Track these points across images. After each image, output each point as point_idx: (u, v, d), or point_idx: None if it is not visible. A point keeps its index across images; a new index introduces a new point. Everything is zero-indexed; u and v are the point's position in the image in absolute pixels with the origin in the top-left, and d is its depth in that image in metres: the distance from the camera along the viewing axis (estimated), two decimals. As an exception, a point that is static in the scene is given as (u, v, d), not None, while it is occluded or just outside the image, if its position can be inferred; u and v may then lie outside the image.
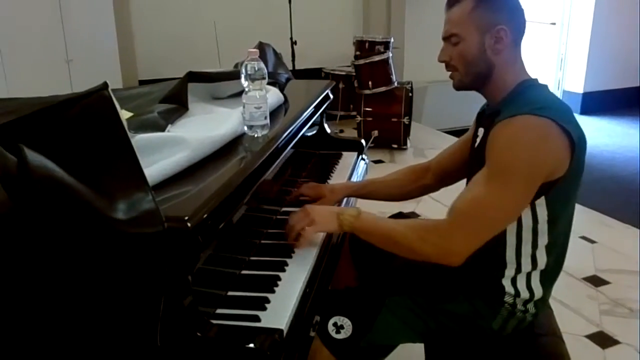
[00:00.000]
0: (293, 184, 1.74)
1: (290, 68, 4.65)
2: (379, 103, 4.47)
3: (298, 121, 1.58)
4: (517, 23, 1.29)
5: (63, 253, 0.90)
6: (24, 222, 0.89)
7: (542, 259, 1.28)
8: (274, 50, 2.07)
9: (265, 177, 1.47)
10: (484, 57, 1.28)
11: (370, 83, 4.44)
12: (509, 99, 1.29)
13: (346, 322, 1.31)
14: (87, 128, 0.98)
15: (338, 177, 1.92)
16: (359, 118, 4.54)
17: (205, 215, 0.95)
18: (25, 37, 3.64)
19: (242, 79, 1.36)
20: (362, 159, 2.22)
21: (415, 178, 1.67)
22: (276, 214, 1.58)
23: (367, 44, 4.57)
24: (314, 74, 5.08)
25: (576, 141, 1.19)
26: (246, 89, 1.36)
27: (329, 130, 2.23)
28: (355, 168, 2.07)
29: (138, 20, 4.68)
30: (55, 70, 3.79)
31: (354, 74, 4.61)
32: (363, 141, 2.26)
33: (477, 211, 1.19)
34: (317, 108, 1.99)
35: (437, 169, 1.63)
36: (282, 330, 1.06)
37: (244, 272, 1.27)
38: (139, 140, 1.10)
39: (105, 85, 1.03)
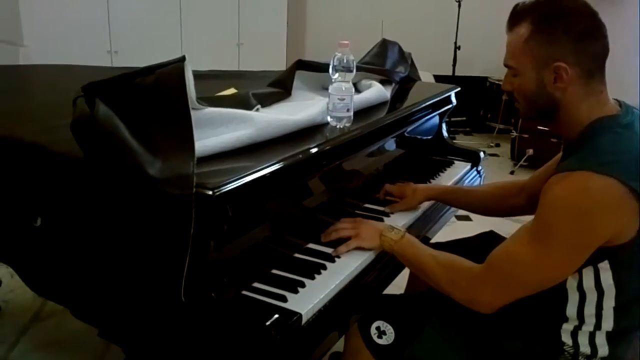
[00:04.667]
0: (389, 182, 1.71)
1: (449, 74, 4.53)
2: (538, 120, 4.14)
3: (389, 120, 1.56)
4: (585, 55, 1.08)
5: (109, 198, 1.02)
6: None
7: (607, 322, 1.12)
8: (399, 48, 2.05)
9: (343, 169, 1.48)
10: (544, 93, 1.12)
11: (531, 97, 4.14)
12: (578, 141, 1.11)
13: (389, 329, 1.28)
14: (156, 93, 1.08)
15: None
16: (514, 133, 4.28)
17: (231, 188, 0.99)
18: (202, 20, 4.06)
19: (330, 70, 1.38)
20: (477, 171, 2.10)
21: (504, 195, 1.55)
22: (357, 208, 1.59)
23: (536, 56, 4.27)
24: (477, 82, 4.89)
25: None
26: (333, 80, 1.39)
27: (446, 136, 2.15)
28: (463, 179, 1.97)
29: (312, 12, 4.94)
30: (226, 52, 4.17)
31: (517, 86, 4.34)
32: (482, 153, 2.14)
33: (511, 269, 1.09)
34: (433, 111, 1.94)
35: (531, 189, 1.48)
36: (300, 315, 1.07)
37: (297, 255, 1.30)
38: (208, 112, 1.18)
39: (182, 58, 1.12)
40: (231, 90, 1.63)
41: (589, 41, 1.09)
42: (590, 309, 1.12)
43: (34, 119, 1.51)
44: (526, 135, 4.20)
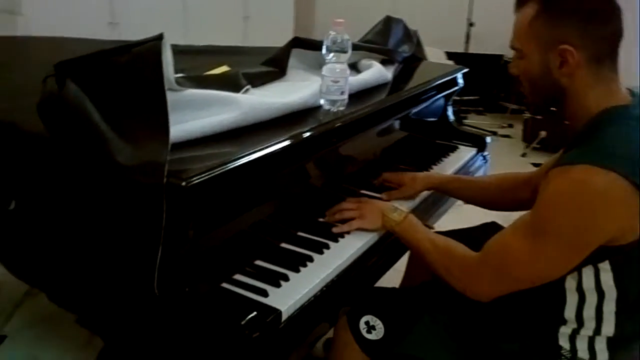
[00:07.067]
0: (386, 168, 1.64)
1: (462, 50, 4.40)
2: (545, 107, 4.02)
3: (387, 104, 1.48)
4: (593, 38, 1.00)
5: (79, 182, 0.96)
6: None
7: (608, 326, 1.06)
8: (404, 26, 1.95)
9: (336, 154, 1.41)
10: (550, 78, 1.05)
11: (546, 77, 4.00)
12: (584, 132, 1.04)
13: (378, 324, 1.23)
14: (131, 74, 1.02)
15: (440, 171, 1.76)
16: (527, 114, 4.15)
17: (206, 178, 0.93)
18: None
19: (324, 50, 1.30)
20: (483, 156, 2.02)
21: (509, 188, 1.47)
22: (352, 194, 1.51)
23: (554, 34, 4.12)
24: (490, 60, 4.73)
25: None
26: (327, 60, 1.31)
27: (451, 119, 2.06)
28: (467, 165, 1.89)
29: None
30: (232, 25, 4.05)
31: (533, 65, 4.20)
32: (489, 138, 2.04)
33: (505, 261, 1.05)
34: (437, 93, 1.85)
35: (538, 183, 1.40)
36: (279, 312, 1.01)
37: (283, 244, 1.24)
38: (188, 94, 1.11)
39: (160, 37, 1.05)
40: (223, 68, 1.56)
41: (598, 23, 1.01)
42: (589, 312, 1.06)
43: (17, 96, 1.44)
44: (539, 117, 4.07)
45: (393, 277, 1.83)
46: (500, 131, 4.65)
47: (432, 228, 1.69)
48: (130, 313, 1.04)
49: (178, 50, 2.00)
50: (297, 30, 4.40)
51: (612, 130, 1.00)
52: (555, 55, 1.03)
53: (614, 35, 1.03)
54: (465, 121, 4.68)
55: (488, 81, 4.78)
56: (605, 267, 1.01)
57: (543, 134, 4.08)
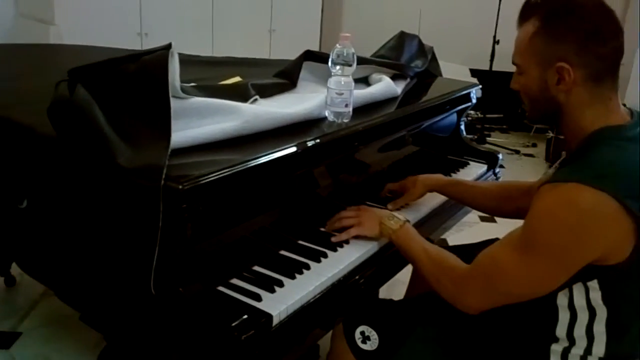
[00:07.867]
0: (394, 182, 1.66)
1: (486, 68, 4.39)
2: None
3: (390, 118, 1.50)
4: (591, 57, 1.01)
5: (84, 183, 1.01)
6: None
7: (599, 346, 1.05)
8: (419, 42, 1.97)
9: (339, 165, 1.44)
10: (547, 95, 1.06)
11: (570, 97, 3.96)
12: (577, 150, 1.05)
13: (373, 335, 1.24)
14: (137, 81, 1.06)
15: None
16: (550, 134, 4.11)
17: (203, 183, 0.96)
18: (235, 3, 4.02)
19: (330, 63, 1.34)
20: (494, 173, 2.01)
21: (509, 196, 1.48)
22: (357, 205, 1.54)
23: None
24: (515, 78, 4.71)
25: None
26: (332, 73, 1.34)
27: (464, 135, 2.06)
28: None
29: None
30: (257, 38, 4.13)
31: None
32: (500, 155, 2.04)
33: (493, 274, 1.05)
34: (449, 109, 1.87)
35: (535, 195, 1.41)
36: (270, 317, 1.04)
37: (282, 252, 1.27)
38: (194, 102, 1.15)
39: (168, 46, 1.09)
40: (235, 79, 1.61)
41: (597, 43, 1.01)
42: (580, 331, 1.06)
43: (39, 100, 1.52)
44: (562, 137, 4.02)
45: (401, 290, 1.84)
46: (524, 150, 4.61)
47: (445, 242, 1.70)
48: (128, 311, 1.08)
49: (198, 61, 2.08)
50: (323, 44, 4.46)
51: (604, 150, 1.00)
52: (552, 72, 1.04)
53: (614, 55, 1.03)
54: (489, 139, 4.65)
55: (512, 99, 4.74)
56: (594, 285, 1.01)
57: (564, 154, 4.02)
